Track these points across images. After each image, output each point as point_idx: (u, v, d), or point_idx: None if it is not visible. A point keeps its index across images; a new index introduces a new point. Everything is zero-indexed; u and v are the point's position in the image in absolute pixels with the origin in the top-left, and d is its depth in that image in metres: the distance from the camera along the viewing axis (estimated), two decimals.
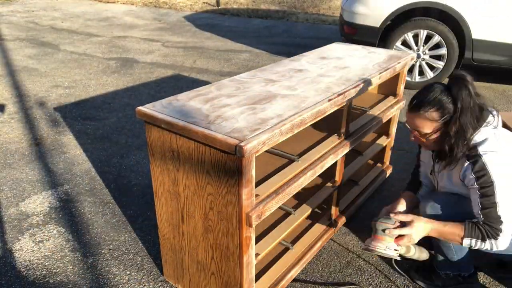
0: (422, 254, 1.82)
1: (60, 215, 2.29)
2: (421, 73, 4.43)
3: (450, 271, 1.72)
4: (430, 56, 4.33)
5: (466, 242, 1.43)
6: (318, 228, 2.02)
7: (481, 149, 1.38)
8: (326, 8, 9.56)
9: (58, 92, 4.17)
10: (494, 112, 1.47)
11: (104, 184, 2.60)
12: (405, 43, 4.36)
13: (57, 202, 2.40)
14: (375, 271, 1.91)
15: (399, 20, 4.29)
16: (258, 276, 1.69)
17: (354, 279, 1.87)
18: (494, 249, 1.42)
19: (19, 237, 2.11)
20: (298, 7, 9.62)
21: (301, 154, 1.74)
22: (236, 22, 8.11)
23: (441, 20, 4.14)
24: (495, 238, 1.39)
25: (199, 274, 1.64)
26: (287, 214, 1.79)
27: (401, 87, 2.43)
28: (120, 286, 1.82)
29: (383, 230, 1.51)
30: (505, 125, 2.37)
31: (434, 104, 1.40)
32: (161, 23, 7.83)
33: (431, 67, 4.38)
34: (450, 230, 1.46)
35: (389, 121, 2.47)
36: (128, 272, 1.90)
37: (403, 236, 1.48)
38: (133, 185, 2.59)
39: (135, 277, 1.87)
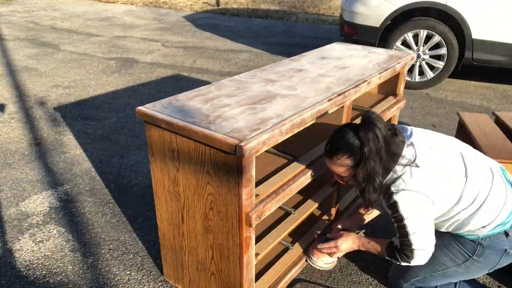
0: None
1: (60, 215, 2.29)
2: (421, 73, 4.43)
3: None
4: (430, 56, 4.33)
5: (387, 258, 1.57)
6: (318, 228, 2.02)
7: (393, 188, 1.41)
8: (326, 8, 9.56)
9: (58, 92, 4.17)
10: (409, 144, 1.44)
11: (104, 184, 2.60)
12: (405, 43, 4.36)
13: (57, 202, 2.40)
14: (375, 271, 1.91)
15: (399, 20, 4.29)
16: (258, 276, 1.69)
17: (354, 279, 1.87)
18: (412, 265, 1.51)
19: (19, 237, 2.11)
20: (298, 7, 9.62)
21: (301, 154, 1.74)
22: (236, 22, 8.11)
23: (441, 20, 4.14)
24: (408, 262, 1.49)
25: (199, 274, 1.64)
26: (287, 214, 1.79)
27: (401, 87, 2.43)
28: (120, 286, 1.82)
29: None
30: (504, 125, 2.37)
31: (345, 150, 1.41)
32: (161, 23, 7.83)
33: (431, 67, 4.38)
34: (374, 248, 1.61)
35: (389, 121, 2.47)
36: (128, 272, 1.90)
37: (333, 246, 1.68)
38: (133, 185, 2.59)
39: (135, 277, 1.87)
